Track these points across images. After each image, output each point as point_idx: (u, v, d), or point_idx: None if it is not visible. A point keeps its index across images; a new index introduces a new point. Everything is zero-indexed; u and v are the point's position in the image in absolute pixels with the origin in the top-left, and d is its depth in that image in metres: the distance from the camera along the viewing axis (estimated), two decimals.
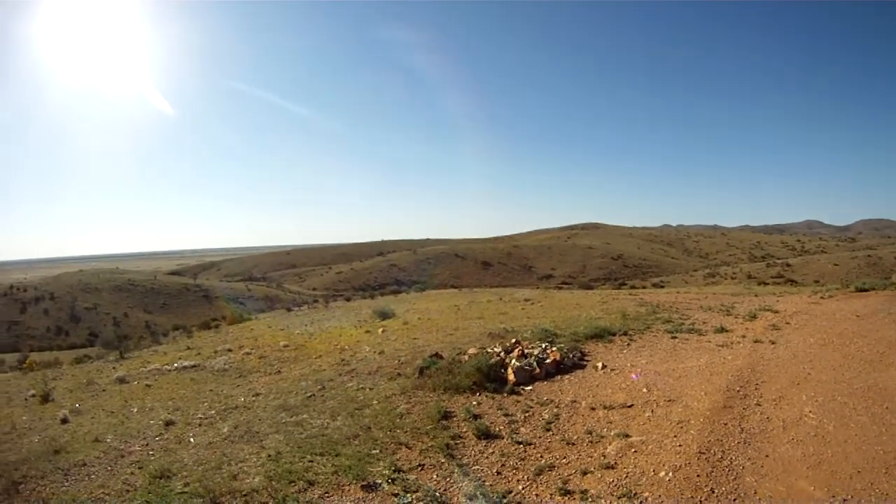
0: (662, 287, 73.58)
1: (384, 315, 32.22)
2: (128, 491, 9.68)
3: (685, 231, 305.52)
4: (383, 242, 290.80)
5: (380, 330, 25.42)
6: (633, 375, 13.40)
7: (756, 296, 29.78)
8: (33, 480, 10.94)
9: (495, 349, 15.34)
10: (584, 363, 14.67)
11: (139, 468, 10.80)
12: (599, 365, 14.33)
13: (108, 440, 13.10)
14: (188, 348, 32.31)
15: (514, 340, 16.19)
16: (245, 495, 8.82)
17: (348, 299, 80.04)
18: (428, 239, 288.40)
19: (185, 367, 22.54)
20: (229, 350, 26.56)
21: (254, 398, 15.60)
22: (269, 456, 10.36)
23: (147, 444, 12.43)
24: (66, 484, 10.53)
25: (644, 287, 71.76)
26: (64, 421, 15.63)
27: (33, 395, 20.18)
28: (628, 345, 16.57)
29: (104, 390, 20.25)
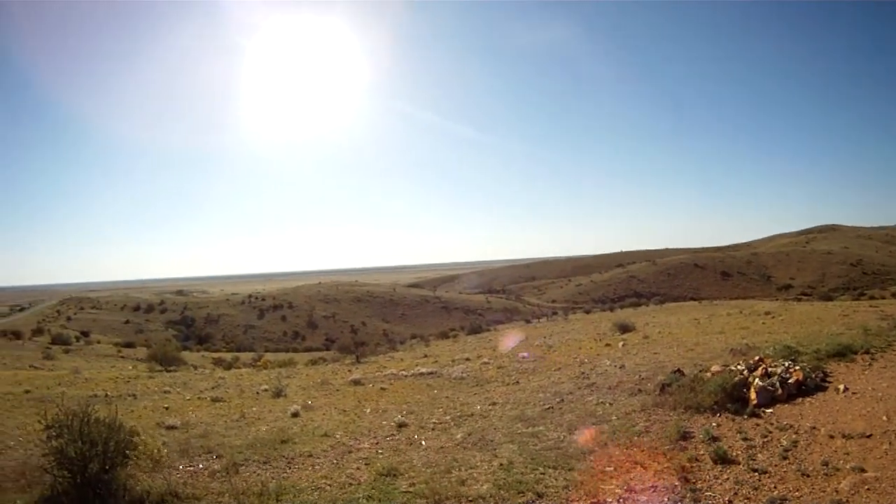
0: None
1: (624, 328, 31.97)
2: (351, 484, 10.13)
3: None
4: (622, 253, 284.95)
5: (620, 343, 25.19)
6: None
7: None
8: (255, 464, 11.79)
9: (738, 367, 14.79)
10: (826, 385, 13.75)
11: (366, 464, 11.30)
12: (841, 387, 13.39)
13: (338, 436, 13.82)
14: (425, 356, 33.32)
15: (756, 358, 15.54)
16: (471, 501, 8.98)
17: (588, 312, 79.71)
18: (667, 248, 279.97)
19: (421, 374, 23.19)
20: (467, 359, 27.10)
21: (490, 407, 15.83)
22: (501, 465, 10.48)
23: (377, 443, 12.99)
24: (289, 471, 11.23)
25: (883, 297, 66.66)
26: (294, 415, 16.62)
27: (265, 390, 21.54)
28: (870, 364, 15.43)
29: (338, 390, 21.24)
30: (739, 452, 10.22)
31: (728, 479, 9.29)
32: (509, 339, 41.14)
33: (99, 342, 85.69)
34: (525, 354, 25.54)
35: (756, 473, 9.42)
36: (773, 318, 31.04)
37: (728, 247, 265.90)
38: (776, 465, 9.66)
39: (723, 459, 9.89)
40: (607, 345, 25.62)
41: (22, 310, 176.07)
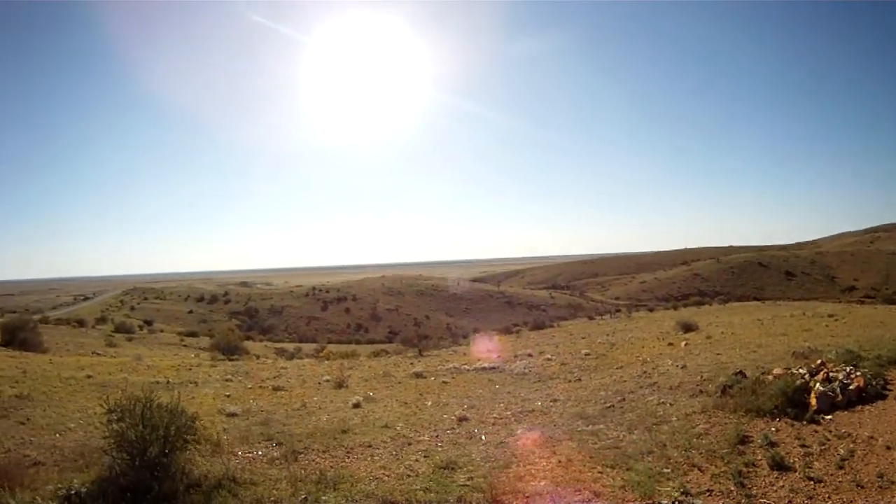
0: None
1: (687, 328, 31.69)
2: (409, 476, 10.18)
3: None
4: (687, 251, 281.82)
5: (682, 343, 24.95)
6: None
7: None
8: (314, 453, 11.92)
9: (800, 371, 14.55)
10: (886, 392, 13.33)
11: (425, 457, 11.35)
12: None
13: (398, 427, 13.95)
14: (488, 351, 33.19)
15: (819, 362, 15.25)
16: (527, 497, 8.96)
17: (651, 310, 79.18)
18: (731, 246, 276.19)
19: (483, 368, 23.28)
20: (529, 355, 27.05)
21: (551, 404, 15.82)
22: (559, 462, 10.44)
23: (437, 436, 13.05)
24: (347, 461, 11.33)
25: None
26: (356, 406, 16.81)
27: (327, 381, 21.79)
28: None
29: (399, 382, 21.43)
30: (796, 459, 10.02)
31: (783, 486, 9.13)
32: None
33: (162, 331, 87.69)
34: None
35: (811, 482, 9.26)
36: (836, 320, 30.65)
37: (793, 245, 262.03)
38: (832, 475, 9.47)
39: (779, 466, 9.72)
40: (670, 344, 25.38)
41: (86, 299, 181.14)
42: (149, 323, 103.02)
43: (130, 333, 69.24)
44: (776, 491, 9.01)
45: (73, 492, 8.98)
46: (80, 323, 74.46)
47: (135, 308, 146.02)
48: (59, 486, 9.31)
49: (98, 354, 39.50)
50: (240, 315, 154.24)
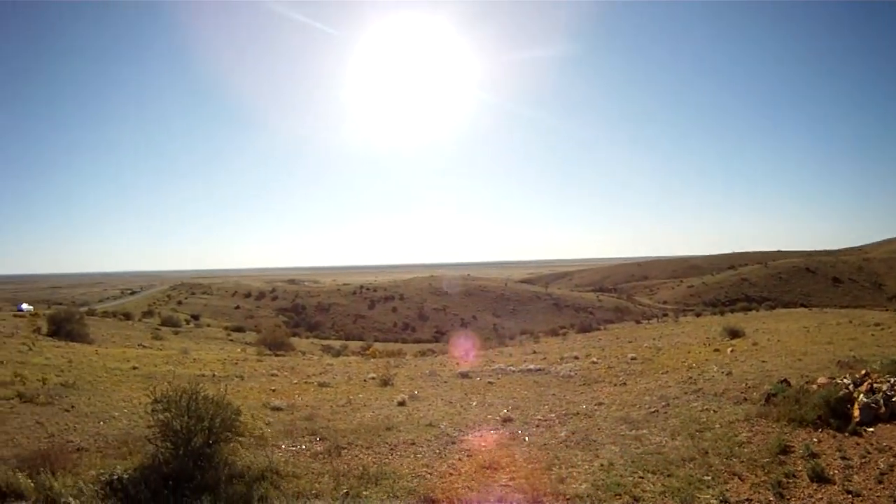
0: None
1: (733, 334, 31.45)
2: (451, 474, 10.30)
3: None
4: (734, 255, 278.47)
5: (728, 349, 24.74)
6: None
7: None
8: (358, 448, 12.10)
9: (844, 381, 14.34)
10: None
11: (468, 456, 11.47)
12: None
13: (442, 426, 14.05)
14: (534, 352, 33.31)
15: (863, 372, 14.99)
16: (568, 499, 9.02)
17: (698, 315, 78.37)
18: (779, 251, 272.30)
19: (529, 370, 23.28)
20: (575, 357, 27.05)
21: (596, 407, 15.82)
22: (602, 466, 10.47)
23: (481, 436, 13.14)
24: (391, 457, 11.47)
25: None
26: (401, 404, 16.96)
27: (373, 378, 21.94)
28: None
29: (445, 382, 21.51)
30: (836, 472, 9.85)
31: (822, 498, 9.00)
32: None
33: (208, 325, 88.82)
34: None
35: (850, 496, 9.09)
36: (883, 329, 30.18)
37: (840, 251, 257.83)
38: (870, 489, 9.27)
39: (819, 478, 9.57)
40: (716, 350, 25.15)
41: (133, 293, 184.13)
42: (195, 317, 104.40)
43: (177, 327, 70.33)
44: (814, 503, 8.90)
45: (115, 477, 9.27)
46: (127, 316, 76.12)
47: (182, 303, 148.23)
48: (102, 471, 9.62)
49: (144, 347, 40.26)
50: (286, 312, 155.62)
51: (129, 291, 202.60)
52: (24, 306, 79.88)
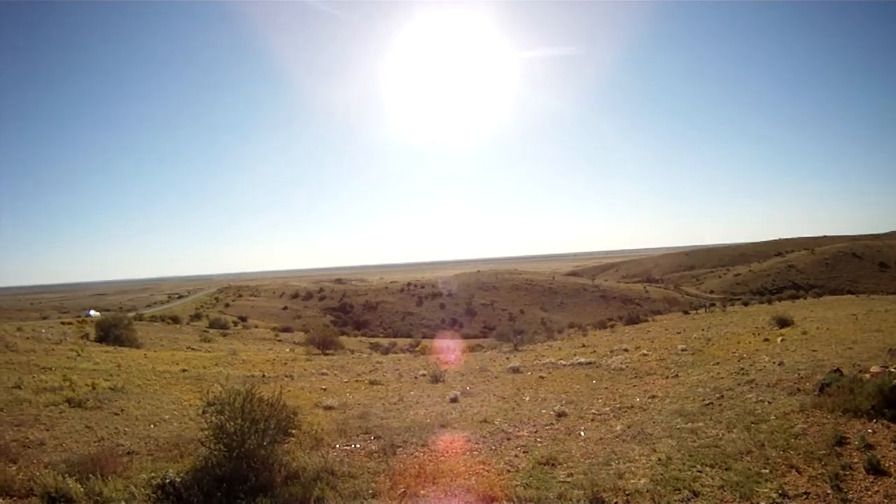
0: None
1: (782, 323, 31.13)
2: (509, 471, 10.32)
3: None
4: (781, 241, 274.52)
5: (778, 339, 24.47)
6: None
7: None
8: (413, 446, 12.19)
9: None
10: None
11: (524, 452, 11.50)
12: None
13: (496, 422, 14.13)
14: (583, 346, 33.28)
15: None
16: (628, 495, 8.98)
17: (746, 304, 77.73)
18: (825, 235, 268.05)
19: (580, 364, 23.27)
20: (625, 350, 27.00)
21: (649, 400, 15.81)
22: (659, 460, 10.43)
23: (536, 432, 13.20)
24: (447, 455, 11.49)
25: None
26: (453, 400, 17.05)
27: (423, 375, 21.99)
28: None
29: (496, 377, 21.55)
30: (892, 464, 9.66)
31: (878, 490, 8.87)
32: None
33: (256, 327, 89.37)
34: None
35: None
36: None
37: (886, 234, 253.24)
38: None
39: (875, 469, 9.41)
40: (766, 339, 24.89)
41: (180, 298, 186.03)
42: (243, 319, 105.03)
43: (225, 329, 71.23)
44: (871, 496, 8.78)
45: (167, 481, 9.40)
46: (175, 320, 76.84)
47: (229, 305, 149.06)
48: (153, 474, 9.79)
49: (192, 349, 40.91)
50: (334, 311, 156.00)
51: (176, 296, 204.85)
52: (93, 313, 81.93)
